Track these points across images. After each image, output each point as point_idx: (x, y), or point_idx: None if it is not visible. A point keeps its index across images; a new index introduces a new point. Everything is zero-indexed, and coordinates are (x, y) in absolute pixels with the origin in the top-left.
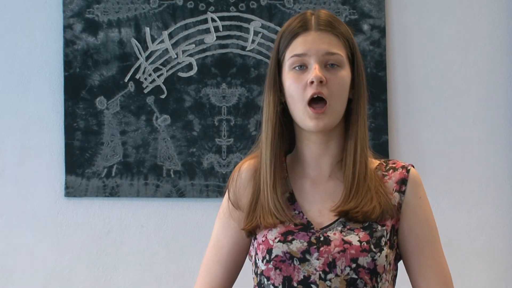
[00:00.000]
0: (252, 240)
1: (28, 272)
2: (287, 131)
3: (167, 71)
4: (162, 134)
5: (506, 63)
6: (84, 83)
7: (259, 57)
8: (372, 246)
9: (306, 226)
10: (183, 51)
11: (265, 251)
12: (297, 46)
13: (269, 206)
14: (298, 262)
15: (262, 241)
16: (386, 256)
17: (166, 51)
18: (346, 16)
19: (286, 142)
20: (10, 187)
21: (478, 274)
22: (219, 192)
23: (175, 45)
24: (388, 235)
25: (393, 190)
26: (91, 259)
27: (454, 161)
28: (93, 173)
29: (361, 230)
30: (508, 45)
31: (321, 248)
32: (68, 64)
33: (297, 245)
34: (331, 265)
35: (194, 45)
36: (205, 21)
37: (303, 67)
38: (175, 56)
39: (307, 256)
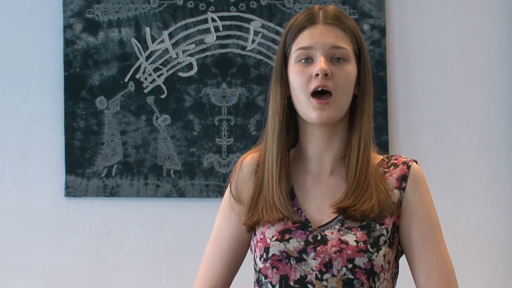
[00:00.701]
0: (252, 235)
1: (28, 272)
2: (292, 126)
3: (167, 71)
4: (162, 134)
5: (506, 63)
6: (84, 83)
7: (259, 57)
8: (369, 246)
9: (304, 224)
10: (183, 51)
11: (263, 249)
12: (304, 39)
13: (273, 200)
14: (295, 262)
15: (260, 238)
16: (384, 256)
17: (166, 51)
18: None
19: (291, 137)
20: (10, 187)
21: (478, 274)
22: (219, 192)
23: (175, 45)
24: (388, 234)
25: (393, 187)
26: (91, 259)
27: (454, 161)
28: (93, 173)
29: (359, 229)
30: (508, 45)
31: (318, 248)
32: (68, 64)
33: (294, 244)
34: (327, 265)
35: (194, 45)
36: (205, 21)
37: (308, 60)
38: (175, 56)
39: (304, 256)
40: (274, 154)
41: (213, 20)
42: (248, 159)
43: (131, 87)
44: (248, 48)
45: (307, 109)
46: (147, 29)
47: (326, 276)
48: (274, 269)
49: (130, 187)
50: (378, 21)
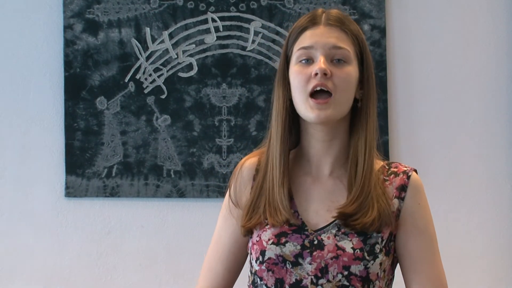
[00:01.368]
0: (249, 238)
1: (28, 272)
2: (294, 128)
3: (167, 71)
4: (163, 134)
5: (506, 63)
6: (84, 83)
7: (259, 57)
8: (365, 254)
9: (301, 228)
10: (184, 51)
11: (259, 252)
12: (305, 39)
13: (277, 204)
14: (290, 266)
15: (256, 241)
16: (381, 264)
17: (166, 51)
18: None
19: (293, 138)
20: (10, 187)
21: (478, 274)
22: (220, 192)
23: (175, 45)
24: (384, 242)
25: (393, 196)
26: (91, 259)
27: (454, 161)
28: (93, 173)
29: (355, 236)
30: (508, 45)
31: (314, 253)
32: (68, 64)
33: (290, 248)
34: (323, 271)
35: (194, 45)
36: (205, 21)
37: (309, 61)
38: (176, 56)
39: (300, 260)
40: (277, 157)
41: (213, 20)
42: (247, 164)
43: (131, 87)
44: (248, 49)
45: (306, 109)
46: (147, 30)
47: (321, 281)
48: (270, 272)
49: (130, 187)
50: (378, 21)
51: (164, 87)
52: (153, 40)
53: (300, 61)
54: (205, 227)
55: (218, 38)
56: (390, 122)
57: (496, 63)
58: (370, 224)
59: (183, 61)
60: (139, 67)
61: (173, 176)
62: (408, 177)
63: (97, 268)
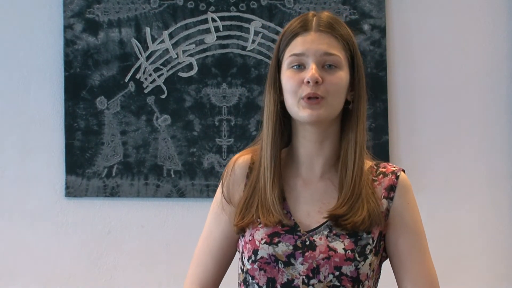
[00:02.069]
0: (240, 236)
1: (28, 272)
2: (286, 130)
3: (167, 71)
4: (163, 134)
5: (506, 63)
6: (84, 83)
7: (259, 57)
8: (356, 255)
9: (293, 228)
10: (184, 51)
11: (251, 251)
12: (296, 46)
13: (269, 205)
14: (282, 265)
15: (249, 240)
16: (370, 264)
17: (166, 51)
18: (347, 16)
19: (284, 139)
20: (10, 187)
21: (479, 274)
22: None
23: (175, 45)
24: (374, 242)
25: (382, 196)
26: (91, 259)
27: (454, 161)
28: (93, 173)
29: (347, 237)
30: (508, 45)
31: (306, 253)
32: (68, 64)
33: (282, 248)
34: (315, 271)
35: (194, 45)
36: (205, 21)
37: (300, 67)
38: (176, 56)
39: (292, 260)
40: (269, 159)
41: (213, 20)
42: (240, 161)
43: (131, 87)
44: (248, 48)
45: (298, 109)
46: (147, 29)
47: (312, 281)
48: (262, 271)
49: (130, 187)
50: (378, 21)
51: (164, 87)
52: (153, 40)
53: (292, 66)
54: None
55: (218, 38)
56: (390, 122)
57: (496, 63)
58: (360, 223)
59: (183, 61)
60: (139, 67)
61: (173, 176)
62: (397, 177)
63: (97, 267)
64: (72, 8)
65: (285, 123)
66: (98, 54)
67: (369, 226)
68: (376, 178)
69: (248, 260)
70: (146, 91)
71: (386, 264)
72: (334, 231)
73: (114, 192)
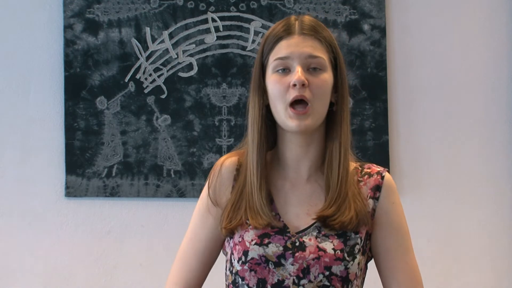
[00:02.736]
0: (228, 238)
1: (28, 272)
2: (270, 132)
3: (167, 71)
4: (163, 134)
5: (506, 63)
6: (84, 83)
7: None
8: (345, 255)
9: (282, 230)
10: (184, 51)
11: (241, 252)
12: (281, 50)
13: (256, 208)
14: (273, 266)
15: (239, 241)
16: (359, 264)
17: (166, 51)
18: (347, 16)
19: (270, 142)
20: (11, 187)
21: (479, 274)
22: None
23: (175, 45)
24: (362, 242)
25: (368, 196)
26: (91, 259)
27: (454, 161)
28: (93, 173)
29: (336, 237)
30: (508, 45)
31: (296, 254)
32: (68, 64)
33: (273, 249)
34: (305, 271)
35: (194, 45)
36: (205, 21)
37: (286, 70)
38: (176, 56)
39: (282, 261)
40: (254, 164)
41: (213, 20)
42: (227, 163)
43: (131, 87)
44: (248, 48)
45: (285, 119)
46: (147, 29)
47: (303, 281)
48: (252, 272)
49: (131, 187)
50: (378, 21)
51: (164, 87)
52: (153, 40)
53: (277, 70)
54: None
55: (218, 38)
56: (390, 122)
57: (496, 63)
58: (348, 223)
59: (183, 61)
60: (139, 67)
61: (173, 176)
62: (382, 177)
63: (97, 267)
64: (72, 8)
65: (270, 126)
66: (98, 54)
67: (357, 226)
68: (361, 179)
69: (238, 261)
70: (146, 91)
71: (370, 264)
72: (323, 232)
73: (114, 192)
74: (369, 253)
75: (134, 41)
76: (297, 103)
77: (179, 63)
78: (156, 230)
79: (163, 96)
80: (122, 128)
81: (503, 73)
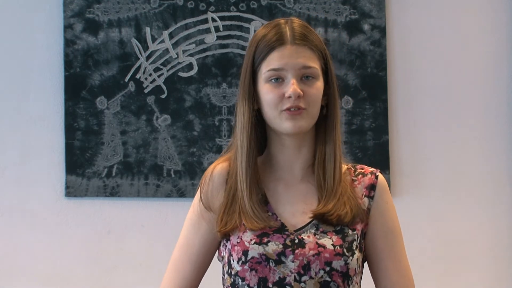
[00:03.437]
0: (224, 242)
1: (28, 272)
2: (259, 135)
3: (167, 71)
4: (163, 134)
5: (506, 63)
6: (84, 83)
7: None
8: (345, 250)
9: (281, 228)
10: (184, 51)
11: (241, 252)
12: (274, 61)
13: (249, 214)
14: (274, 264)
15: (237, 242)
16: (357, 260)
17: (166, 51)
18: (347, 16)
19: (258, 146)
20: (11, 187)
21: (479, 274)
22: None
23: (175, 45)
24: (359, 239)
25: (363, 195)
26: (91, 259)
27: (454, 161)
28: (93, 173)
29: (334, 233)
30: (508, 45)
31: (296, 251)
32: (68, 64)
33: (272, 247)
34: (305, 268)
35: (194, 45)
36: (205, 21)
37: (279, 80)
38: (176, 56)
39: (283, 258)
40: (244, 169)
41: (214, 20)
42: (218, 169)
43: (132, 87)
44: (247, 49)
45: (280, 122)
46: (148, 29)
47: (304, 278)
48: (253, 272)
49: (131, 187)
50: (378, 21)
51: (164, 87)
52: (153, 39)
53: (270, 80)
54: None
55: (218, 37)
56: (390, 122)
57: (496, 63)
58: (344, 216)
59: (183, 61)
60: (139, 66)
61: (173, 175)
62: (376, 177)
63: (97, 267)
64: (72, 8)
65: (259, 130)
66: (98, 54)
67: (353, 220)
68: (355, 178)
69: (237, 262)
70: (146, 91)
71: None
72: (321, 229)
73: (114, 192)
74: (364, 252)
75: (134, 41)
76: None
77: (179, 63)
78: (156, 230)
79: (163, 96)
80: (122, 128)
81: (503, 73)
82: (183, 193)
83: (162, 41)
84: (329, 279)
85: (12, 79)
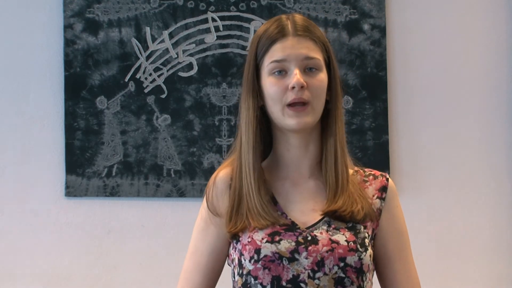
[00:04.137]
0: (234, 243)
1: (28, 272)
2: (263, 136)
3: (167, 70)
4: (163, 133)
5: (506, 63)
6: (84, 82)
7: None
8: (358, 246)
9: (292, 227)
10: (184, 51)
11: (253, 251)
12: (276, 52)
13: (257, 210)
14: (287, 262)
15: (248, 241)
16: (370, 256)
17: (166, 50)
18: (347, 16)
19: (262, 146)
20: (11, 186)
21: (479, 274)
22: None
23: (175, 44)
24: (369, 237)
25: (374, 196)
26: (91, 259)
27: (454, 161)
28: (93, 173)
29: (346, 230)
30: (508, 45)
31: (310, 247)
32: (68, 63)
33: (285, 245)
34: (319, 264)
35: (194, 45)
36: (205, 20)
37: (282, 72)
38: (176, 56)
39: (296, 256)
40: (251, 164)
41: (214, 20)
42: (221, 175)
43: (132, 87)
44: (248, 48)
45: (284, 118)
46: (147, 29)
47: (318, 274)
48: (266, 270)
49: (131, 187)
50: (378, 21)
51: (164, 87)
52: (153, 39)
53: (273, 73)
54: None
55: (218, 37)
56: (390, 122)
57: (496, 63)
58: (356, 213)
59: (183, 61)
60: (139, 66)
61: (173, 175)
62: (387, 180)
63: (97, 267)
64: (72, 8)
65: (263, 130)
66: (98, 53)
67: (364, 218)
68: (366, 179)
69: (250, 261)
70: (146, 90)
71: None
72: (333, 225)
73: (114, 192)
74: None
75: (134, 41)
76: (295, 104)
77: (179, 62)
78: (156, 230)
79: (163, 96)
80: (122, 127)
81: (503, 73)
82: (183, 193)
83: (162, 41)
84: (343, 275)
85: (12, 79)
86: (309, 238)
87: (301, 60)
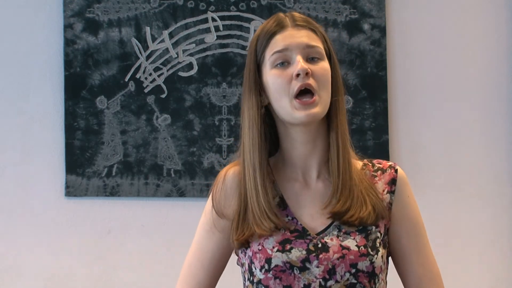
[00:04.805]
0: (244, 249)
1: (28, 272)
2: (268, 135)
3: (167, 70)
4: (163, 133)
5: (506, 63)
6: (84, 82)
7: None
8: (369, 250)
9: (302, 233)
10: (184, 51)
11: (264, 260)
12: (277, 43)
13: (261, 211)
14: (298, 271)
15: (259, 249)
16: (382, 257)
17: (166, 50)
18: (347, 15)
19: (268, 146)
20: (10, 186)
21: (479, 274)
22: None
23: (175, 44)
24: (382, 236)
25: (384, 191)
26: (91, 259)
27: (454, 161)
28: (93, 173)
29: (357, 233)
30: (508, 45)
31: (320, 256)
32: (68, 63)
33: (296, 254)
34: (331, 272)
35: (194, 45)
36: (205, 20)
37: (285, 64)
38: (176, 56)
39: (307, 265)
40: (256, 165)
41: (214, 19)
42: (231, 172)
43: (132, 86)
44: (248, 48)
45: (292, 111)
46: (148, 29)
47: (329, 283)
48: (277, 280)
49: (131, 186)
50: (378, 21)
51: (164, 87)
52: (153, 39)
53: (276, 65)
54: None
55: (218, 37)
56: (390, 122)
57: (496, 63)
58: (366, 218)
59: (183, 61)
60: (139, 66)
61: (173, 175)
62: (396, 171)
63: (97, 267)
64: (72, 8)
65: (268, 129)
66: (98, 53)
67: (376, 220)
68: (375, 174)
69: (260, 270)
70: (146, 90)
71: None
72: (343, 230)
73: (114, 191)
74: (388, 247)
75: (134, 41)
76: (302, 94)
77: (179, 62)
78: (156, 230)
79: (163, 96)
80: (122, 127)
81: (503, 73)
82: (183, 193)
83: (162, 41)
84: (355, 281)
85: (12, 79)
86: (320, 245)
87: (302, 48)
